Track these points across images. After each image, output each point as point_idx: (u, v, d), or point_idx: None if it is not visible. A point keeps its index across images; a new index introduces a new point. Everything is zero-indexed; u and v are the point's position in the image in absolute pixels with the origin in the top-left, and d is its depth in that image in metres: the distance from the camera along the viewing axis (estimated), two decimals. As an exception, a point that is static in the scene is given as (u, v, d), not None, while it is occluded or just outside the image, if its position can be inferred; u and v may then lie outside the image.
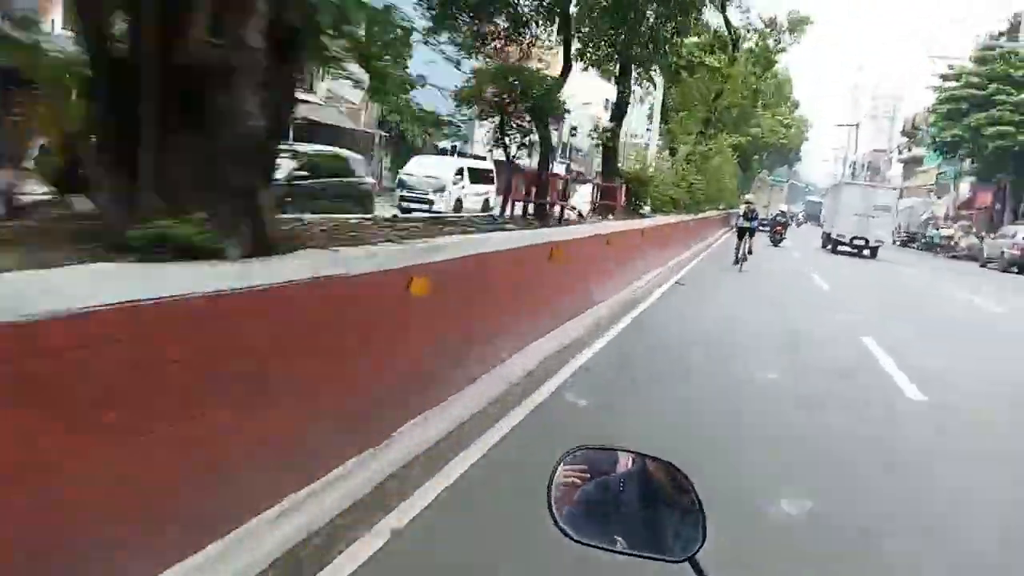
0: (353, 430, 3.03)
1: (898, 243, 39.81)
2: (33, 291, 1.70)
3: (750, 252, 16.61)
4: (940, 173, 46.24)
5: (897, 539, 3.33)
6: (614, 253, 8.48)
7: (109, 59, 2.50)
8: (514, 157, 8.01)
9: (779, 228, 26.51)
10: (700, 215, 20.25)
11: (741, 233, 16.82)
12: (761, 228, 19.69)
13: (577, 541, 1.00)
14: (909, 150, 58.50)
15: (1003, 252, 25.30)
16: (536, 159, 8.65)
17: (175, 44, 2.34)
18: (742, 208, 17.42)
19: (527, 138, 8.02)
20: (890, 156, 71.13)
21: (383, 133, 23.90)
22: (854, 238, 25.46)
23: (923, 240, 38.64)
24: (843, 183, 31.92)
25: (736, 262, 16.30)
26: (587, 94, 22.15)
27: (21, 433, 1.64)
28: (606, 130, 12.68)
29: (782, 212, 32.37)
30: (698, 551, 0.95)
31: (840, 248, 25.54)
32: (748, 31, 22.53)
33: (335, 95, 21.03)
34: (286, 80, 2.66)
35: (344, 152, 12.50)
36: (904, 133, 61.84)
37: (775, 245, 24.49)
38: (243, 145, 2.42)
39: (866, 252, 25.27)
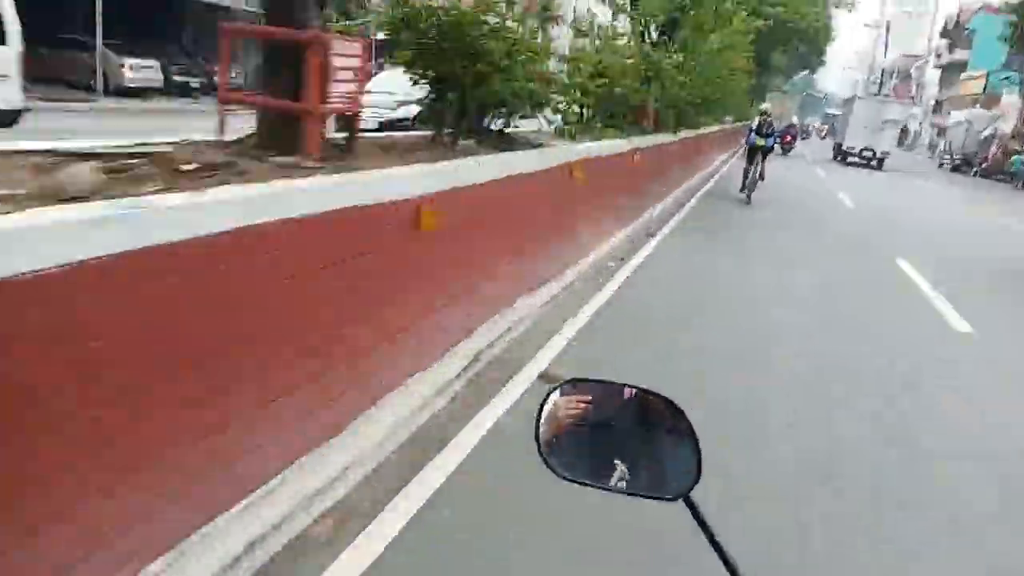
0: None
1: (947, 167, 35.19)
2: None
3: (762, 177, 13.77)
4: (997, 79, 37.65)
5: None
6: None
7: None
8: None
9: (788, 139, 28.49)
10: (678, 136, 12.41)
11: (752, 153, 13.83)
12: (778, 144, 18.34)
13: (566, 479, 0.95)
14: (950, 52, 53.16)
15: None
16: None
17: None
18: (756, 120, 14.17)
19: None
20: (924, 61, 63.97)
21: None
22: (863, 149, 28.71)
23: (982, 166, 31.08)
24: (856, 97, 33.44)
25: (743, 189, 13.67)
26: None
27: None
28: None
29: (792, 125, 32.13)
30: (692, 488, 0.90)
31: (850, 160, 28.73)
32: None
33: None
34: None
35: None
36: (944, 34, 55.84)
37: (785, 154, 26.68)
38: None
39: (874, 163, 28.45)
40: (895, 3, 78.01)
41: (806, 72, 61.53)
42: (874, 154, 28.21)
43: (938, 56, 57.48)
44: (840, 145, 30.34)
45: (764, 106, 15.43)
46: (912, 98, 54.76)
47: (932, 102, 57.16)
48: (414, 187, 3.23)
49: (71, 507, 1.76)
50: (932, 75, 59.33)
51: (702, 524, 0.92)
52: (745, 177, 13.80)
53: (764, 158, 13.82)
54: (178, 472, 2.04)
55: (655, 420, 1.00)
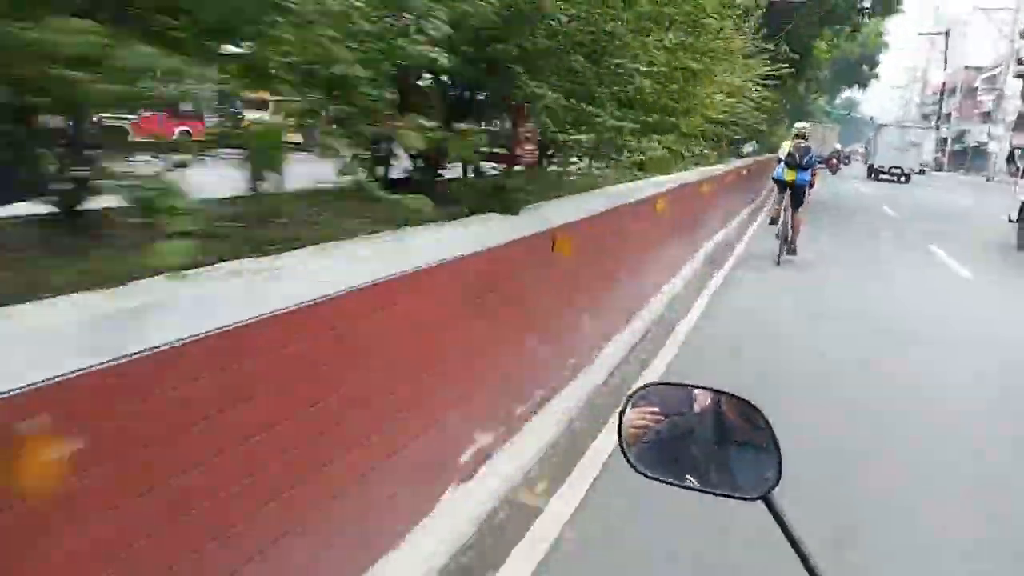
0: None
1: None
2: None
3: (791, 247, 9.55)
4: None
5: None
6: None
7: None
8: None
9: (834, 162, 33.79)
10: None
11: (783, 189, 9.78)
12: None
13: (650, 477, 1.00)
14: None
15: None
16: None
17: None
18: (786, 146, 10.07)
19: None
20: (998, 70, 54.99)
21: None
22: (891, 167, 35.59)
23: None
24: (881, 125, 40.89)
25: (780, 247, 9.54)
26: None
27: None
28: None
29: (837, 150, 38.73)
30: (772, 489, 0.94)
31: (881, 176, 35.43)
32: None
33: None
34: None
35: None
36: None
37: (833, 173, 31.30)
38: None
39: (902, 179, 34.75)
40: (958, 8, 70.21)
41: (851, 90, 59.21)
42: (901, 171, 35.14)
43: (1020, 62, 49.71)
44: (871, 165, 37.40)
45: (800, 125, 10.60)
46: (936, 123, 54.37)
47: (1011, 118, 50.04)
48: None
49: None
50: (1014, 85, 50.94)
51: (782, 524, 0.96)
52: (777, 227, 9.74)
53: (797, 205, 9.49)
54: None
55: (734, 422, 1.05)
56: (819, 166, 11.85)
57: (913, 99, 77.87)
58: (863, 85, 54.80)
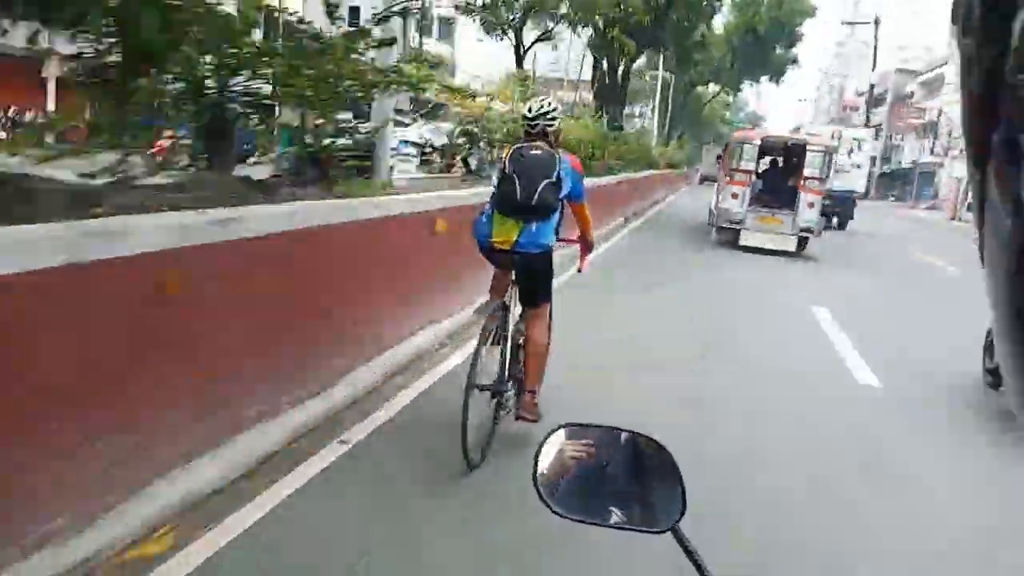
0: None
1: None
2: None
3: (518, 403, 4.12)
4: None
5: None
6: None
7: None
8: None
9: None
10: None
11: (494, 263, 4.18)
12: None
13: (564, 516, 1.06)
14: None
15: None
16: None
17: None
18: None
19: None
20: (941, 71, 48.21)
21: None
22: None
23: None
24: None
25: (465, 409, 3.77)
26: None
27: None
28: None
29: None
30: (679, 520, 1.01)
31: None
32: None
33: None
34: None
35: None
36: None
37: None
38: None
39: (834, 220, 22.67)
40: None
41: (758, 84, 53.10)
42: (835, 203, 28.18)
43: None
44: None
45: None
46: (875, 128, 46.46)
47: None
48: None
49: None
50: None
51: (690, 554, 1.03)
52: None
53: (531, 301, 4.12)
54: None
55: (642, 458, 1.12)
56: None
57: (826, 109, 71.73)
58: (778, 74, 46.44)
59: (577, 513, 1.12)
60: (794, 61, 45.98)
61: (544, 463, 1.15)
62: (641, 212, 20.14)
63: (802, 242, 13.90)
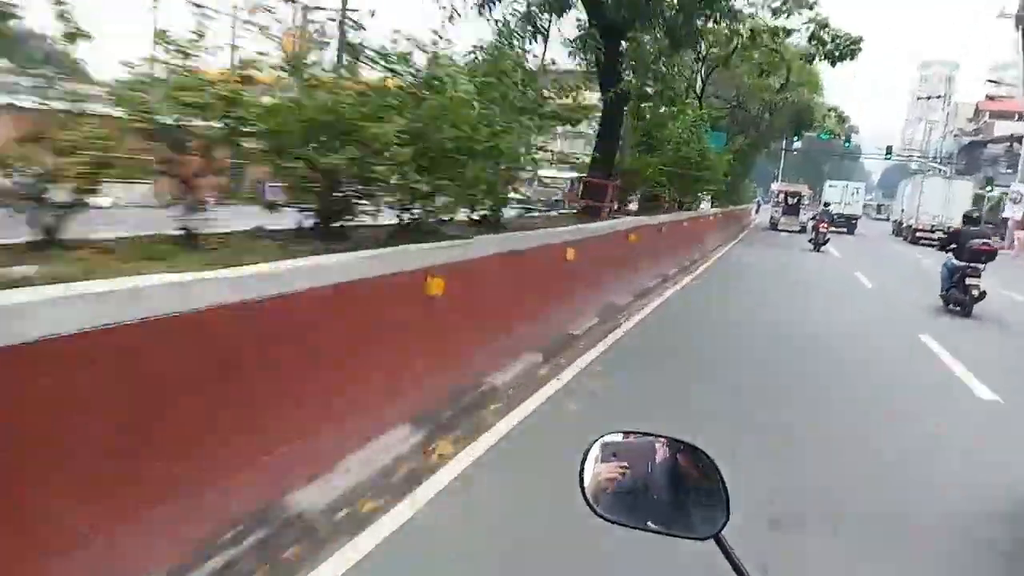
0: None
1: None
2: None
3: None
4: None
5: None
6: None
7: None
8: None
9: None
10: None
11: None
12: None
13: (610, 520, 1.11)
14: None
15: None
16: None
17: None
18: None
19: None
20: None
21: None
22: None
23: None
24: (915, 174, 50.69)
25: None
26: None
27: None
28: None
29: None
30: (722, 529, 1.05)
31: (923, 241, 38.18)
32: None
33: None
34: None
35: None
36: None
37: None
38: None
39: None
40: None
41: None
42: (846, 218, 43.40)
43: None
44: (901, 223, 44.25)
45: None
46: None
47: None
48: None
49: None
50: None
51: (732, 561, 1.05)
52: None
53: None
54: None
55: (687, 467, 1.16)
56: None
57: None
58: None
59: (623, 518, 1.16)
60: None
61: (589, 471, 1.20)
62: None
63: (803, 228, 34.36)
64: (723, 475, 1.17)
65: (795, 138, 48.61)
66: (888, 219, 57.12)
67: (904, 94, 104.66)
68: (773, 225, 39.02)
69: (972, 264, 11.78)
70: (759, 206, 56.77)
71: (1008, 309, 12.78)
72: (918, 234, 35.04)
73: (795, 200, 40.76)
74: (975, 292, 11.61)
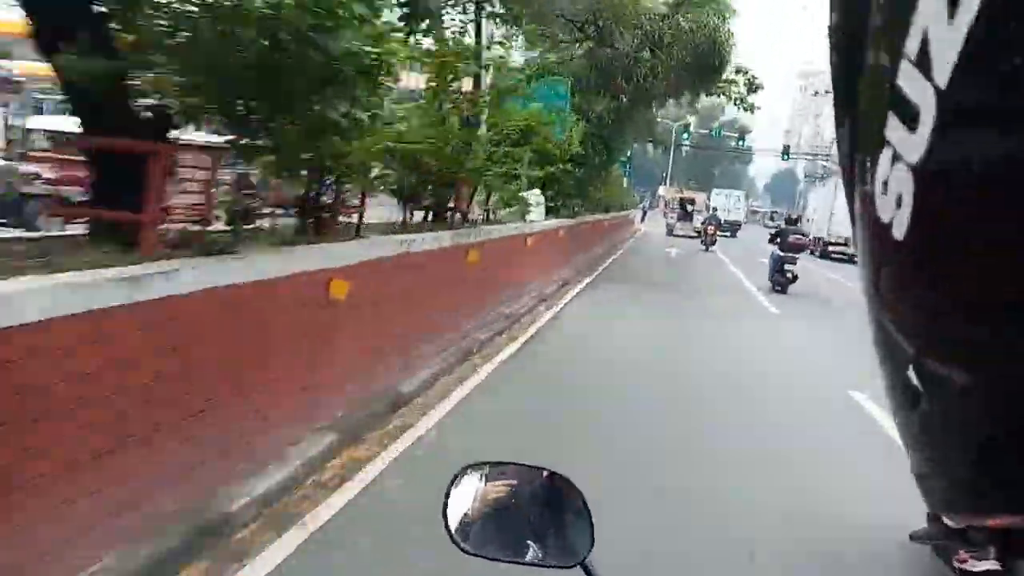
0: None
1: None
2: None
3: None
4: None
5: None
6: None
7: None
8: None
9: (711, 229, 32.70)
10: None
11: None
12: None
13: (474, 554, 1.08)
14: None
15: None
16: None
17: None
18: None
19: None
20: None
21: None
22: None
23: None
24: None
25: None
26: None
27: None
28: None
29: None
30: (587, 555, 1.04)
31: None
32: None
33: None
34: None
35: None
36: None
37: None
38: None
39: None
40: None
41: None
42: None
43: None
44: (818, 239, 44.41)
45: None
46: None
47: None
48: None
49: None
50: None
51: None
52: None
53: None
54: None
55: (550, 495, 1.14)
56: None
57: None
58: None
59: (488, 550, 1.14)
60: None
61: (454, 503, 1.17)
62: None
63: (698, 233, 33.52)
64: (587, 501, 1.17)
65: (685, 127, 47.12)
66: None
67: (789, 92, 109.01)
68: (670, 230, 39.46)
69: (789, 254, 16.44)
70: (644, 214, 51.62)
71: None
72: (829, 248, 31.59)
73: (691, 207, 42.71)
74: (790, 275, 16.42)
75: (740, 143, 55.17)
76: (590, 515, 1.16)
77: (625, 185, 36.67)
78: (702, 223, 33.25)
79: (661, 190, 63.89)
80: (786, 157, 58.75)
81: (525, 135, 10.71)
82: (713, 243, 29.41)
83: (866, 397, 7.30)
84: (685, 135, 52.24)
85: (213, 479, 3.68)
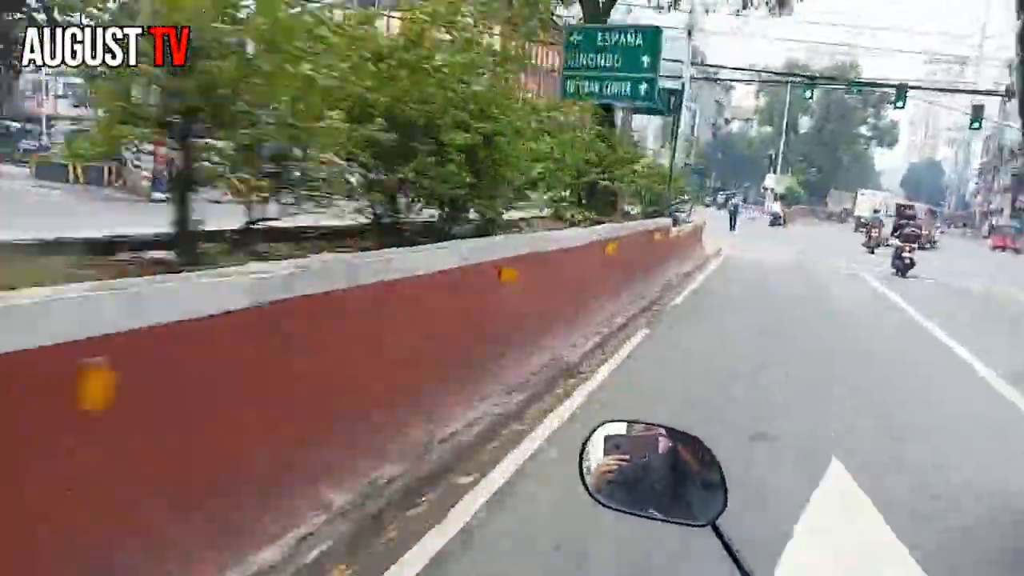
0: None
1: None
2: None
3: None
4: None
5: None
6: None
7: None
8: None
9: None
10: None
11: None
12: None
13: (608, 507, 1.13)
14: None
15: None
16: None
17: None
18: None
19: None
20: None
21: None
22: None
23: None
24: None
25: None
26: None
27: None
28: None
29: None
30: (719, 517, 1.07)
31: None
32: None
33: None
34: None
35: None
36: None
37: None
38: None
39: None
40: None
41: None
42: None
43: None
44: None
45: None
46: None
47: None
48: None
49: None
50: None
51: (728, 548, 1.08)
52: None
53: None
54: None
55: (686, 457, 1.18)
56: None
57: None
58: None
59: (623, 504, 1.19)
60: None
61: (590, 459, 1.23)
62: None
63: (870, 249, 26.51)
64: (722, 466, 1.20)
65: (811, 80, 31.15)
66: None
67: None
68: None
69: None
70: (733, 217, 31.50)
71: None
72: None
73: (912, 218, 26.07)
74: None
75: (898, 105, 32.26)
76: (724, 478, 1.19)
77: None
78: (894, 235, 20.10)
79: (769, 179, 48.80)
80: (977, 125, 33.10)
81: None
82: (912, 264, 17.52)
83: None
84: (807, 94, 37.63)
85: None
